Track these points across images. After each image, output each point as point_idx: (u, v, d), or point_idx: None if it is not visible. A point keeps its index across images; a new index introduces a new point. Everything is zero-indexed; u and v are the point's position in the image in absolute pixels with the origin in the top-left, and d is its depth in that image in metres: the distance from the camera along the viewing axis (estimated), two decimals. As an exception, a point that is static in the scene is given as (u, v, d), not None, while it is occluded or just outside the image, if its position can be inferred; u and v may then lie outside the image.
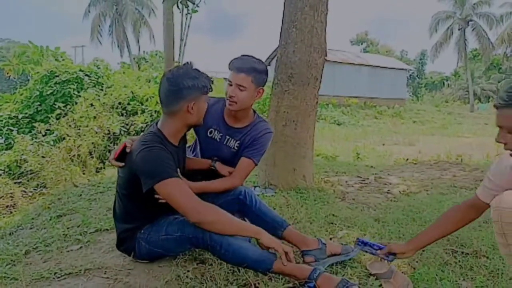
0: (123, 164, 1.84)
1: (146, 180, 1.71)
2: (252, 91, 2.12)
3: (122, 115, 8.37)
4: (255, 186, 3.74)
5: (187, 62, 1.89)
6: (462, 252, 2.21)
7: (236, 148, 2.24)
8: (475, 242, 2.33)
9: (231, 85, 2.12)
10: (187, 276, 1.82)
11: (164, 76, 1.86)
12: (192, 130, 2.38)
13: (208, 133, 2.28)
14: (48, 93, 9.00)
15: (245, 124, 2.25)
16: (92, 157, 6.46)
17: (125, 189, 1.90)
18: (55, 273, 1.88)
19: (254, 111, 2.31)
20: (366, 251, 1.93)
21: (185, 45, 9.40)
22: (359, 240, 1.97)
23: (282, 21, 3.75)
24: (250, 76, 2.09)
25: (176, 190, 1.70)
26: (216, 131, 2.26)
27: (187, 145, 2.56)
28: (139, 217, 1.92)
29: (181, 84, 1.79)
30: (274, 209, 2.86)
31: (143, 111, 8.62)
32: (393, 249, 1.80)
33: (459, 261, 2.10)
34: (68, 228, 2.60)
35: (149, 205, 1.88)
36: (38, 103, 9.10)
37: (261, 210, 2.14)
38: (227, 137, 2.24)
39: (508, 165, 1.55)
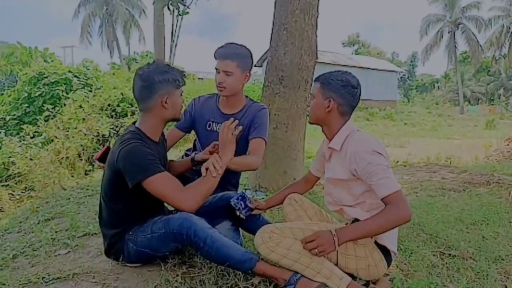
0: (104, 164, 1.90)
1: (132, 176, 1.74)
2: (239, 76, 2.22)
3: (112, 116, 8.30)
4: (245, 189, 3.74)
5: (157, 59, 1.95)
6: (450, 254, 2.23)
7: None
8: (462, 244, 2.36)
9: (219, 72, 2.21)
10: (176, 281, 1.82)
11: (136, 74, 1.89)
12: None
13: (207, 126, 2.38)
14: (37, 94, 8.90)
15: (240, 108, 2.35)
16: (81, 160, 6.39)
17: (110, 191, 1.90)
18: (43, 277, 1.87)
19: (246, 96, 2.42)
20: (236, 205, 2.04)
21: (176, 46, 9.37)
22: (242, 194, 2.08)
23: (273, 23, 3.76)
24: (235, 62, 2.19)
25: (163, 185, 1.75)
26: (214, 123, 2.36)
27: (186, 148, 2.61)
28: (127, 220, 1.92)
29: (152, 79, 1.84)
30: (265, 212, 2.86)
31: (133, 113, 8.57)
32: (259, 204, 2.12)
33: (446, 263, 2.13)
34: (56, 232, 2.58)
35: (135, 206, 1.90)
36: (26, 104, 8.99)
37: (252, 214, 2.14)
38: None
39: (325, 143, 1.99)
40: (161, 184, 1.74)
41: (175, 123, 2.30)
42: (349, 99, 1.84)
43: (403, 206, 1.59)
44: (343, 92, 1.82)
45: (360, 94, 1.89)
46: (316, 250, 1.62)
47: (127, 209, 1.91)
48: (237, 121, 1.95)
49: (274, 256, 1.70)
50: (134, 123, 1.97)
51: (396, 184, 1.63)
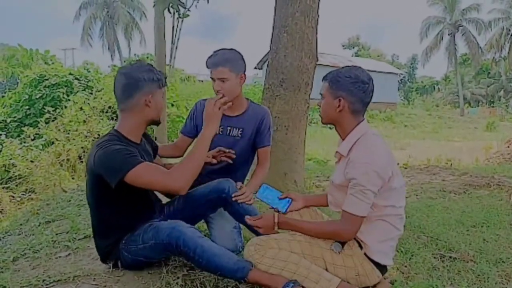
0: None
1: (113, 175, 1.68)
2: (234, 79, 2.24)
3: (112, 119, 8.29)
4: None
5: (139, 59, 1.93)
6: (450, 257, 2.23)
7: (240, 135, 2.35)
8: (463, 246, 2.36)
9: (214, 81, 2.23)
10: (177, 283, 1.82)
11: (118, 72, 1.87)
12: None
13: None
14: (37, 96, 8.90)
15: (242, 111, 2.37)
16: (82, 162, 6.39)
17: (94, 197, 1.87)
18: (44, 280, 1.87)
19: (247, 98, 2.44)
20: (263, 200, 1.99)
21: (176, 48, 9.38)
22: (264, 186, 2.03)
23: (273, 26, 3.78)
24: (227, 67, 2.20)
25: (147, 174, 1.70)
26: None
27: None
28: (117, 227, 1.90)
29: (137, 76, 1.81)
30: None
31: (134, 115, 8.55)
32: (291, 195, 2.04)
33: (447, 265, 2.13)
34: (56, 234, 2.58)
35: (122, 209, 1.88)
36: (27, 107, 8.99)
37: (244, 208, 2.10)
38: (229, 128, 2.35)
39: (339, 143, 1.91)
40: (144, 173, 1.69)
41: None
42: (361, 96, 1.74)
43: (349, 229, 1.65)
44: (353, 89, 1.73)
45: (372, 89, 1.77)
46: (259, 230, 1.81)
47: (115, 215, 1.88)
48: (226, 98, 1.99)
49: (262, 267, 1.70)
50: (113, 127, 1.93)
51: (362, 210, 1.63)
